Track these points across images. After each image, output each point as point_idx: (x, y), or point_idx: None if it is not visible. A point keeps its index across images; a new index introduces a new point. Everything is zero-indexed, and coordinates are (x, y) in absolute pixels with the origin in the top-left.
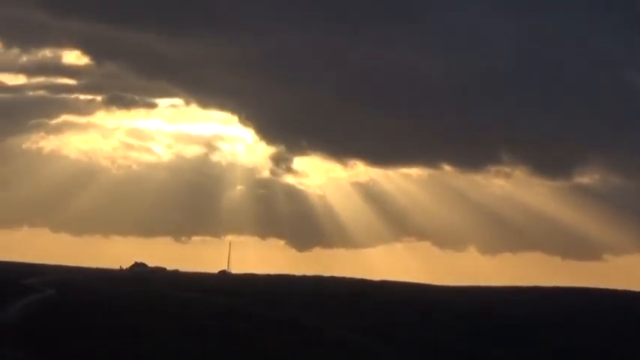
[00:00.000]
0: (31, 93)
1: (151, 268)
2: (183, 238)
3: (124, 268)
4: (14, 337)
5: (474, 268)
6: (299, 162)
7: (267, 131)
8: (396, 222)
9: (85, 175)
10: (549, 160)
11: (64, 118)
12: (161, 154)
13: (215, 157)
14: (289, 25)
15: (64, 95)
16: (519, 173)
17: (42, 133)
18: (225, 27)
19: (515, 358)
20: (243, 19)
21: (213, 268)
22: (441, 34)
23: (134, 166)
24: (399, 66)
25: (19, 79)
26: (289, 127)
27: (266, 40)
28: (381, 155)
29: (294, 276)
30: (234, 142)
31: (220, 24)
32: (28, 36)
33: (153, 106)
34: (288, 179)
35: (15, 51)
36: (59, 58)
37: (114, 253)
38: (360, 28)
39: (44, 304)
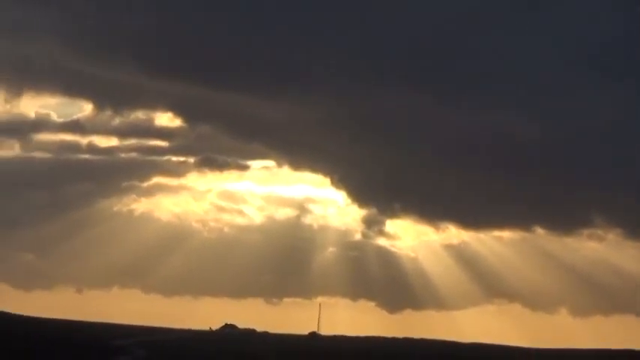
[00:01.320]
0: (123, 155)
1: (241, 329)
2: (274, 300)
3: (214, 329)
4: None
5: (565, 331)
6: (391, 224)
7: (359, 193)
8: (488, 284)
9: (176, 237)
10: None
11: (156, 180)
12: (253, 217)
13: (307, 220)
14: (382, 85)
15: (155, 157)
16: (612, 236)
17: (134, 196)
18: (317, 87)
19: None
20: (334, 78)
21: (303, 330)
22: (536, 94)
23: (226, 229)
24: (491, 126)
25: (112, 141)
26: (381, 190)
27: (357, 100)
28: (473, 218)
29: (384, 338)
30: (326, 204)
31: (312, 84)
32: (121, 97)
33: (245, 168)
34: (380, 241)
35: (107, 112)
36: (151, 119)
37: (204, 314)
38: (454, 87)
39: None
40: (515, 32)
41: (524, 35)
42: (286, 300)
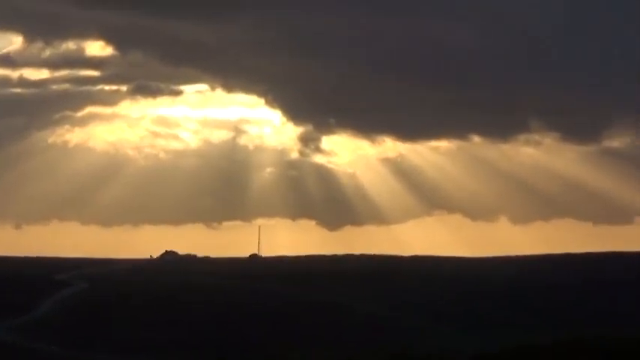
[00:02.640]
0: (55, 87)
1: (182, 255)
2: (213, 224)
3: (155, 257)
4: (49, 332)
5: (506, 238)
6: (327, 141)
7: (294, 112)
8: (427, 196)
9: (112, 166)
10: (578, 125)
11: (89, 109)
12: (188, 141)
13: (243, 141)
14: (310, 2)
15: (88, 87)
16: (549, 140)
17: (67, 126)
18: (245, 8)
19: (551, 326)
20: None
21: (244, 253)
22: (469, 4)
23: (162, 155)
24: (423, 39)
25: (43, 74)
26: (316, 106)
27: (287, 17)
28: (409, 129)
29: (325, 256)
30: (261, 124)
31: (240, 5)
32: (50, 28)
33: (178, 93)
34: (317, 159)
35: (38, 45)
36: (82, 49)
37: (145, 242)
38: (385, 1)
39: (79, 297)
40: None
41: None
42: (226, 224)
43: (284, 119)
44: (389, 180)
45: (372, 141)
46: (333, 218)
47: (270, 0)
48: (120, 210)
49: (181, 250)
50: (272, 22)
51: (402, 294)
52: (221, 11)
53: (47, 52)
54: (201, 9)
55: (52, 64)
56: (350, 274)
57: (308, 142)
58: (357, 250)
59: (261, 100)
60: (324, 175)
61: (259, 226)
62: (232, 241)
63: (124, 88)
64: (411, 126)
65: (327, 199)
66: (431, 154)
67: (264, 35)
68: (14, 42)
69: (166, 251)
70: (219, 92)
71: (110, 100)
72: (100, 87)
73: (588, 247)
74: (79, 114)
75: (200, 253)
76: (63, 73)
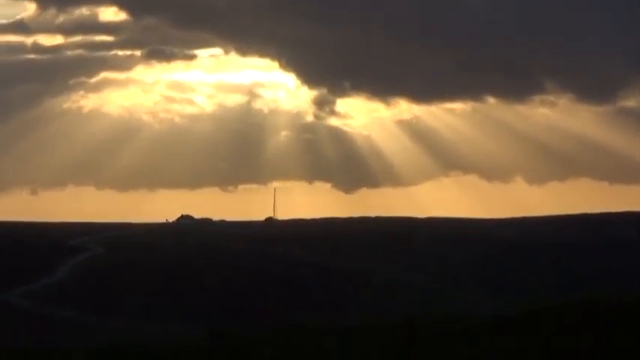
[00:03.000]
0: (69, 53)
1: (198, 219)
2: (229, 188)
3: (171, 220)
4: (67, 297)
5: (522, 199)
6: (342, 104)
7: (308, 75)
8: (442, 157)
9: (127, 131)
10: (593, 85)
11: (104, 75)
12: (203, 105)
13: (257, 105)
14: None
15: (102, 52)
16: (564, 101)
17: (82, 92)
18: None
19: (568, 287)
20: None
21: (260, 216)
22: None
23: (176, 119)
24: (436, 0)
25: (57, 39)
26: (330, 70)
27: None
28: (424, 92)
29: (341, 218)
30: (275, 88)
31: None
32: None
33: (192, 57)
34: (332, 122)
35: (51, 11)
36: (96, 15)
37: (160, 206)
38: None
39: (94, 262)
40: None
41: None
42: (241, 187)
43: (298, 82)
44: (404, 142)
45: (387, 103)
46: (349, 181)
47: None
48: (135, 174)
49: (197, 214)
50: None
51: (418, 257)
52: None
53: (61, 18)
54: None
55: (65, 30)
56: (366, 237)
57: (323, 105)
58: (372, 213)
59: (275, 64)
60: (339, 138)
61: (274, 189)
62: (248, 204)
63: (137, 53)
64: (425, 88)
65: (343, 162)
66: (446, 116)
67: None
68: (28, 8)
69: (182, 215)
70: (233, 56)
71: (124, 65)
72: (114, 52)
73: (604, 207)
74: (94, 79)
75: (216, 217)
76: (76, 38)
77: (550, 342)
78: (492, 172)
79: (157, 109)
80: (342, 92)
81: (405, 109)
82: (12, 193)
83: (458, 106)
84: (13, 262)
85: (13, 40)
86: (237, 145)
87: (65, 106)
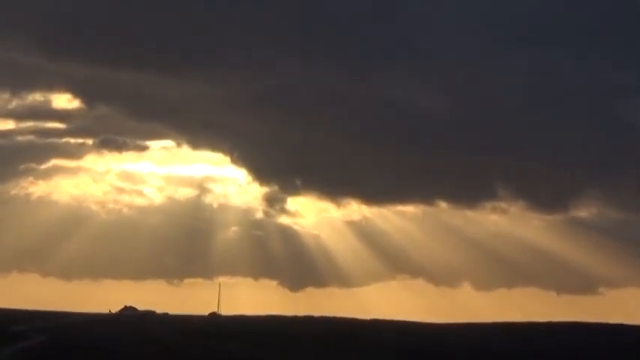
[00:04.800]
0: (20, 138)
1: (141, 311)
2: (175, 281)
3: (114, 311)
4: None
5: (469, 305)
6: (292, 202)
7: (260, 171)
8: (391, 260)
9: (75, 219)
10: (546, 194)
11: (54, 162)
12: (153, 197)
13: (207, 199)
14: (280, 64)
15: (53, 139)
16: (515, 209)
17: (31, 179)
18: (215, 67)
19: None
20: (232, 58)
21: (205, 311)
22: (438, 71)
23: (125, 210)
24: (392, 103)
25: (8, 124)
26: (282, 167)
27: (256, 78)
28: (375, 193)
29: (285, 317)
30: (226, 183)
31: (209, 64)
32: (18, 79)
33: (144, 148)
34: (282, 219)
35: (4, 95)
36: (49, 101)
37: (105, 297)
38: (354, 65)
39: (34, 350)
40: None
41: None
42: (187, 281)
43: (249, 178)
44: (353, 243)
45: (338, 203)
46: (296, 279)
47: (237, 56)
48: (81, 264)
49: (141, 306)
50: (239, 78)
51: (362, 358)
52: (188, 66)
53: (13, 103)
54: (168, 64)
55: (17, 114)
56: (310, 337)
57: (273, 202)
58: (318, 312)
59: (227, 158)
60: (288, 236)
61: (219, 284)
62: (193, 299)
63: (89, 141)
64: (376, 189)
65: (291, 260)
66: (396, 219)
67: (231, 92)
68: None
69: (125, 306)
70: (185, 149)
71: (75, 153)
72: (65, 140)
73: (551, 316)
74: (44, 166)
75: (160, 310)
76: (28, 124)
77: None
78: (440, 277)
79: (106, 198)
80: (293, 190)
81: (355, 209)
82: None
83: (409, 209)
84: None
85: None
86: (185, 239)
87: (13, 192)
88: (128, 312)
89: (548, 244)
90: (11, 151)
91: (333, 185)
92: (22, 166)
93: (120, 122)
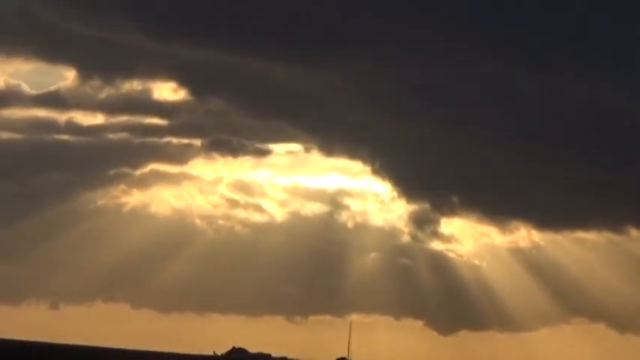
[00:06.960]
0: (111, 136)
1: (253, 354)
2: (297, 318)
3: (220, 354)
4: None
5: None
6: (447, 224)
7: (407, 185)
8: (565, 299)
9: (176, 238)
10: None
11: (152, 167)
12: (273, 213)
13: (341, 218)
14: (437, 49)
15: (153, 139)
16: None
17: (123, 186)
18: (355, 51)
19: None
20: (378, 39)
21: (332, 356)
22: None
23: (238, 228)
24: (580, 103)
25: (97, 119)
26: (435, 181)
27: (405, 67)
28: (549, 216)
29: None
30: (365, 198)
31: (349, 47)
32: (111, 63)
33: (264, 153)
34: (433, 245)
35: (94, 82)
36: (149, 91)
37: (209, 335)
38: (531, 55)
39: None
40: None
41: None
42: (312, 318)
43: (394, 193)
44: (520, 276)
45: (503, 228)
46: (447, 320)
47: (385, 45)
48: (181, 294)
49: (253, 348)
50: (385, 70)
51: None
52: (324, 52)
53: (104, 93)
54: (298, 48)
55: (109, 107)
56: None
57: (423, 223)
58: None
59: (367, 168)
60: (440, 266)
61: (351, 323)
62: (318, 340)
63: (197, 142)
64: (550, 211)
65: (442, 296)
66: (574, 248)
67: (376, 86)
68: (65, 77)
69: (234, 348)
70: (315, 155)
71: (179, 156)
72: (167, 139)
73: None
74: (139, 171)
75: (276, 353)
76: (122, 119)
77: None
78: (626, 322)
79: (215, 213)
80: (448, 209)
81: (523, 235)
82: (28, 305)
83: (590, 236)
84: None
85: (42, 115)
86: (311, 266)
87: (101, 202)
88: (236, 355)
89: None
90: (100, 151)
91: (498, 204)
92: (112, 171)
93: (235, 119)
